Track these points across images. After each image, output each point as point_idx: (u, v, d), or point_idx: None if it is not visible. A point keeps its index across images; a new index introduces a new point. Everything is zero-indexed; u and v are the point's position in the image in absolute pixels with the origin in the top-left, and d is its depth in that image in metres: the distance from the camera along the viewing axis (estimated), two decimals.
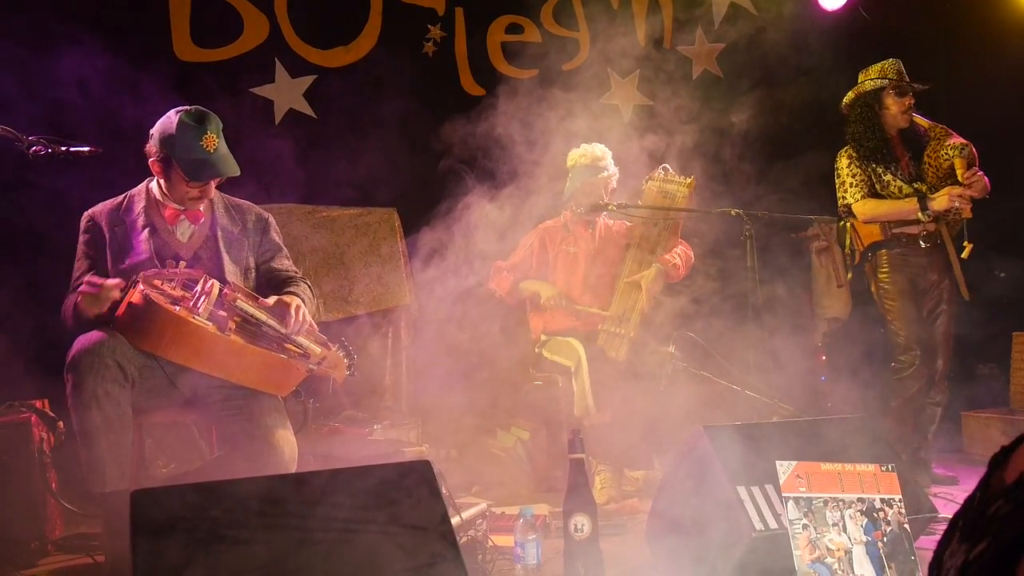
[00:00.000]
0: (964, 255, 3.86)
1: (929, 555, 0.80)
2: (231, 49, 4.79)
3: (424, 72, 5.19)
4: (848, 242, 4.15)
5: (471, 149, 4.43)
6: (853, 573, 2.16)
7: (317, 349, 2.82)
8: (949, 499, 3.40)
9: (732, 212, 3.76)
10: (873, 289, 4.06)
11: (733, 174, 4.62)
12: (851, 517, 2.22)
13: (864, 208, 3.95)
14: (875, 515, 2.23)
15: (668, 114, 4.48)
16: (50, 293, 3.00)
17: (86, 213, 2.92)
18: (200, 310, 2.60)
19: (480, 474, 4.13)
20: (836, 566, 2.16)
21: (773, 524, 2.27)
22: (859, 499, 2.24)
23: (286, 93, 4.91)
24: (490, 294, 4.21)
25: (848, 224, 4.11)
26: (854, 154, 4.01)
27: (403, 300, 4.68)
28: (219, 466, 2.77)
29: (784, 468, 2.26)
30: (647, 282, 3.91)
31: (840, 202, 4.05)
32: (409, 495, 1.79)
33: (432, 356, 4.33)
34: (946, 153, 3.92)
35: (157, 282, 2.64)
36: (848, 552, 2.18)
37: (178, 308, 2.56)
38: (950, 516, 0.81)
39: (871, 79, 4.03)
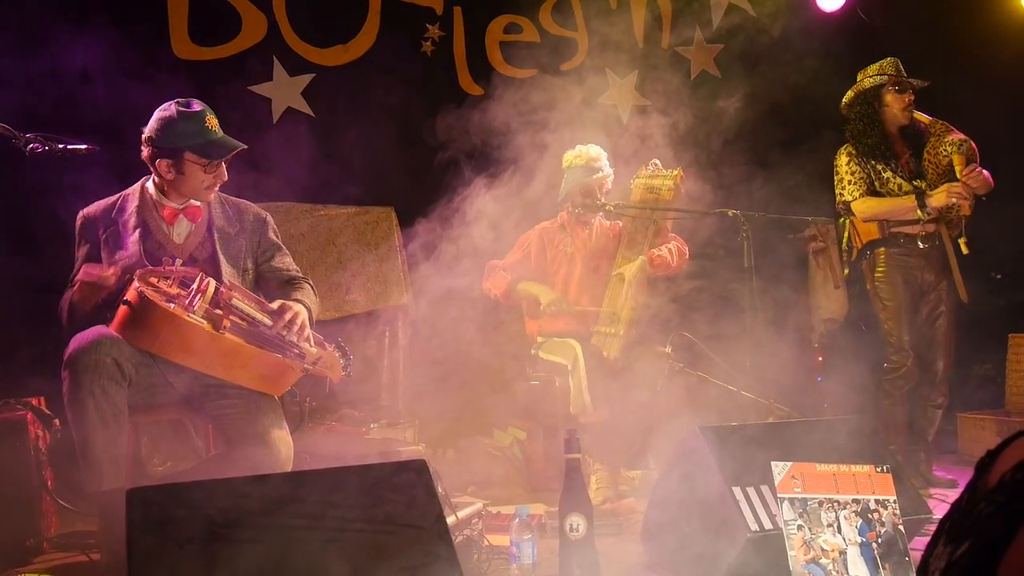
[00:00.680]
0: (963, 250, 3.84)
1: None
2: (229, 47, 4.79)
3: (422, 71, 5.19)
4: (846, 239, 4.16)
5: (469, 148, 4.44)
6: (847, 574, 2.17)
7: (313, 349, 2.82)
8: (943, 500, 3.41)
9: (729, 212, 3.76)
10: (869, 287, 4.06)
11: (730, 174, 4.62)
12: (846, 518, 2.23)
13: (863, 207, 3.94)
14: (870, 516, 2.24)
15: (666, 114, 4.48)
16: (46, 291, 3.00)
17: (80, 213, 2.92)
18: (195, 308, 2.60)
19: (476, 473, 4.13)
20: (831, 567, 2.17)
21: (768, 525, 2.27)
22: (854, 500, 2.25)
23: (284, 92, 4.91)
24: (486, 294, 4.21)
25: (847, 221, 4.11)
26: (853, 151, 4.01)
27: (400, 299, 4.68)
28: (215, 465, 2.77)
29: (779, 469, 2.26)
30: (630, 274, 3.90)
31: (839, 199, 4.04)
32: (405, 494, 1.79)
33: (429, 355, 4.34)
34: (945, 149, 3.92)
35: (153, 280, 2.64)
36: (843, 553, 2.19)
37: (173, 306, 2.56)
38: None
39: (869, 77, 4.04)
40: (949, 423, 4.78)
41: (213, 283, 2.70)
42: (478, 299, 4.20)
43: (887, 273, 3.97)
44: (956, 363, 4.05)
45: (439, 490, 2.04)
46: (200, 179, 2.84)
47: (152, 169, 2.88)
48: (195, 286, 2.66)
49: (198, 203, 2.93)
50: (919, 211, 3.84)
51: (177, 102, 2.82)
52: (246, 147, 2.89)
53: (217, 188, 2.92)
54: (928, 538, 0.70)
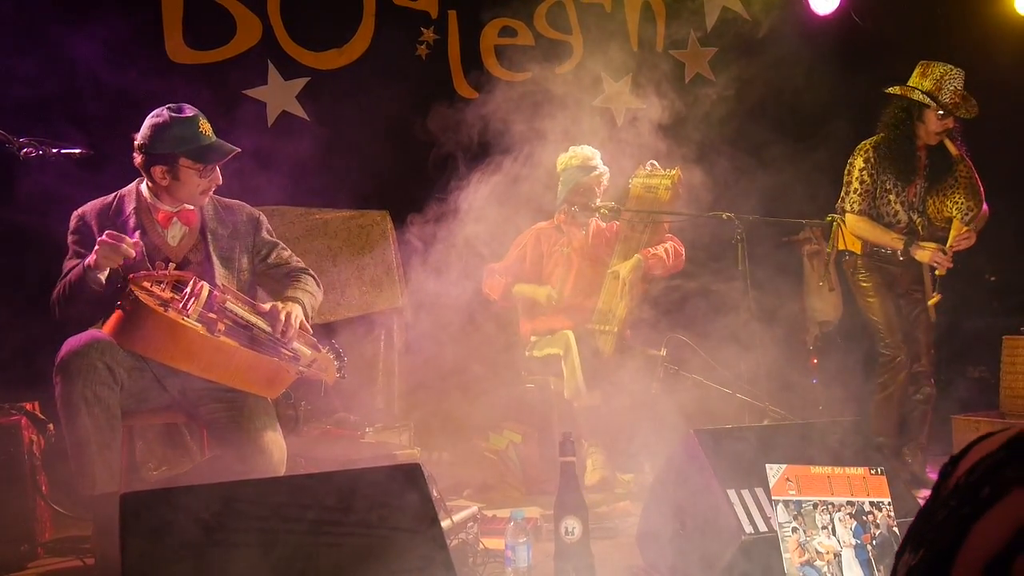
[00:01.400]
0: (931, 302, 3.94)
1: None
2: (224, 51, 4.78)
3: (417, 75, 5.18)
4: (832, 238, 4.17)
5: (464, 151, 4.44)
6: None
7: (307, 352, 2.82)
8: None
9: (724, 215, 3.77)
10: (851, 284, 4.13)
11: (725, 177, 4.62)
12: (840, 520, 2.23)
13: (855, 223, 3.97)
14: (864, 518, 2.24)
15: (661, 117, 4.49)
16: (40, 295, 2.99)
17: (76, 212, 2.91)
18: (189, 312, 2.60)
19: (471, 477, 4.13)
20: (825, 569, 2.17)
21: (763, 527, 2.27)
22: (848, 502, 2.25)
23: (279, 95, 4.91)
24: (482, 296, 4.21)
25: (838, 223, 4.12)
26: (872, 157, 3.94)
27: (395, 303, 4.67)
28: (209, 469, 2.77)
29: (774, 471, 2.27)
30: (625, 272, 3.92)
31: (840, 200, 4.05)
32: (399, 498, 1.79)
33: (424, 359, 4.33)
34: (954, 205, 3.89)
35: (146, 284, 2.63)
36: (837, 555, 2.19)
37: (167, 310, 2.56)
38: None
39: (925, 90, 3.83)
40: (943, 425, 4.79)
41: (207, 287, 2.70)
42: (473, 302, 4.20)
43: (868, 274, 4.03)
44: (950, 365, 4.08)
45: (434, 493, 2.04)
46: (195, 184, 2.84)
47: (146, 176, 2.87)
48: (189, 290, 2.66)
49: (192, 207, 2.93)
50: (900, 252, 3.90)
51: (169, 108, 2.81)
52: (240, 151, 2.89)
53: (211, 192, 2.92)
54: None
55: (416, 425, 4.32)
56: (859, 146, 4.03)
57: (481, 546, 2.81)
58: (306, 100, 4.94)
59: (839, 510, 2.24)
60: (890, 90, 3.99)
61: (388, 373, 4.65)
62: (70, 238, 2.88)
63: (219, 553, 1.60)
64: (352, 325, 4.51)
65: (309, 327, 2.93)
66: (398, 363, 4.69)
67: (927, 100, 3.81)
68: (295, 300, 2.88)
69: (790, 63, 5.18)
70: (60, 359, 2.59)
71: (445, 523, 2.50)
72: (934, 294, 3.93)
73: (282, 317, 2.75)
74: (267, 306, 2.81)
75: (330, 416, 4.14)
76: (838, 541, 2.21)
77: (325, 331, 4.03)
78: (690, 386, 3.81)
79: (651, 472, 3.74)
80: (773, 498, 2.24)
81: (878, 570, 2.18)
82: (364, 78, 4.99)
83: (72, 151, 2.79)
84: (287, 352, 2.77)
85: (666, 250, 4.04)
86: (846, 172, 4.04)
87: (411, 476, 1.83)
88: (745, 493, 2.34)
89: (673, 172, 4.12)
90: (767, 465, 2.28)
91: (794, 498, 2.24)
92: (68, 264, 2.85)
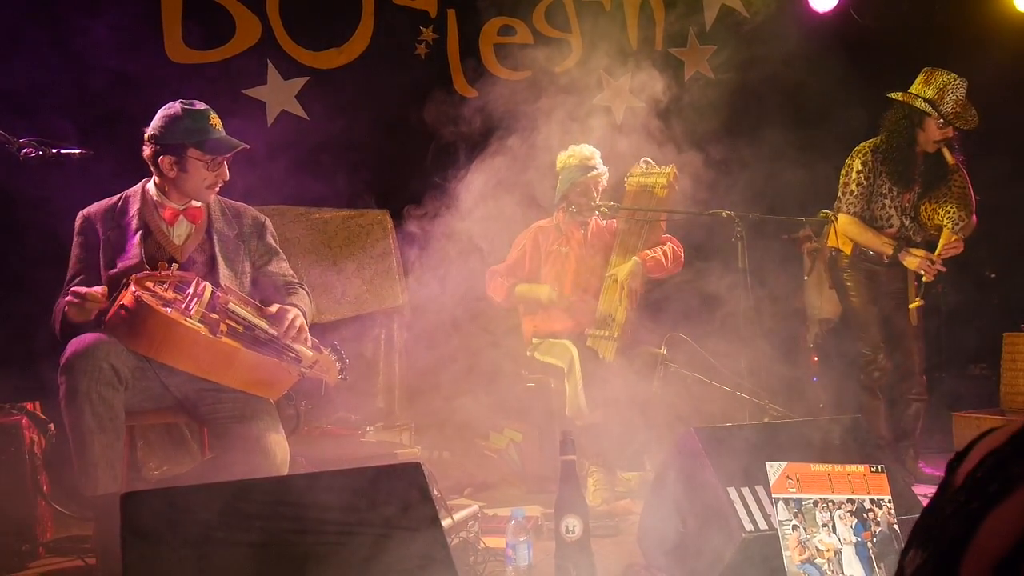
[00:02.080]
0: (912, 306, 4.00)
1: None
2: (224, 51, 4.78)
3: (416, 74, 5.18)
4: (824, 234, 4.19)
5: (463, 150, 4.43)
6: (843, 574, 2.17)
7: (309, 353, 2.82)
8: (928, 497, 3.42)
9: (723, 213, 3.76)
10: (836, 285, 4.15)
11: (724, 175, 4.62)
12: (841, 518, 2.24)
13: (847, 226, 4.01)
14: (864, 516, 2.25)
15: (660, 115, 4.49)
16: (41, 295, 2.99)
17: (81, 213, 2.92)
18: (192, 312, 2.60)
19: (472, 476, 4.13)
20: (826, 567, 2.17)
21: (763, 525, 2.28)
22: (849, 500, 2.26)
23: (278, 95, 4.91)
24: (483, 295, 4.21)
25: (831, 220, 4.13)
26: (871, 161, 3.97)
27: (396, 302, 4.68)
28: (210, 469, 2.77)
29: (774, 469, 2.27)
30: (623, 275, 3.92)
31: (837, 201, 4.07)
32: (400, 497, 1.79)
33: (425, 358, 4.33)
34: (945, 215, 3.90)
35: (149, 284, 2.64)
36: (838, 553, 2.20)
37: (170, 310, 2.56)
38: None
39: (927, 98, 3.82)
40: (944, 422, 4.79)
41: (210, 287, 2.70)
42: (473, 301, 4.20)
43: (852, 273, 4.08)
44: (951, 361, 4.09)
45: (435, 492, 2.04)
46: (202, 177, 2.85)
47: (154, 168, 2.88)
48: (192, 290, 2.66)
49: (198, 204, 2.93)
50: (888, 256, 3.95)
51: (182, 101, 2.85)
52: (248, 146, 2.89)
53: (218, 188, 2.93)
54: None
55: (416, 424, 4.32)
56: (858, 148, 4.05)
57: (482, 545, 2.81)
58: (306, 100, 4.94)
59: (839, 508, 2.24)
60: (892, 96, 4.01)
61: (388, 372, 4.65)
62: (75, 239, 2.89)
63: (220, 553, 1.61)
64: (352, 325, 4.51)
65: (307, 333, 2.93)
66: (398, 362, 4.69)
67: (928, 109, 3.82)
68: (296, 308, 2.89)
69: (789, 61, 5.18)
70: (65, 359, 2.59)
71: (446, 522, 2.50)
72: (917, 299, 3.96)
73: (289, 318, 2.76)
74: (274, 308, 2.81)
75: (330, 416, 4.14)
76: (839, 539, 2.21)
77: (325, 330, 4.04)
78: (690, 384, 3.81)
79: (652, 470, 3.75)
80: (773, 496, 2.24)
81: (879, 567, 2.18)
82: (363, 77, 4.99)
83: (72, 151, 2.79)
84: (289, 353, 2.77)
85: (664, 252, 4.04)
86: (843, 173, 4.07)
87: (412, 475, 1.84)
88: (746, 491, 2.34)
89: (668, 169, 4.12)
90: (767, 463, 2.28)
91: (794, 496, 2.24)
92: (72, 267, 2.86)
